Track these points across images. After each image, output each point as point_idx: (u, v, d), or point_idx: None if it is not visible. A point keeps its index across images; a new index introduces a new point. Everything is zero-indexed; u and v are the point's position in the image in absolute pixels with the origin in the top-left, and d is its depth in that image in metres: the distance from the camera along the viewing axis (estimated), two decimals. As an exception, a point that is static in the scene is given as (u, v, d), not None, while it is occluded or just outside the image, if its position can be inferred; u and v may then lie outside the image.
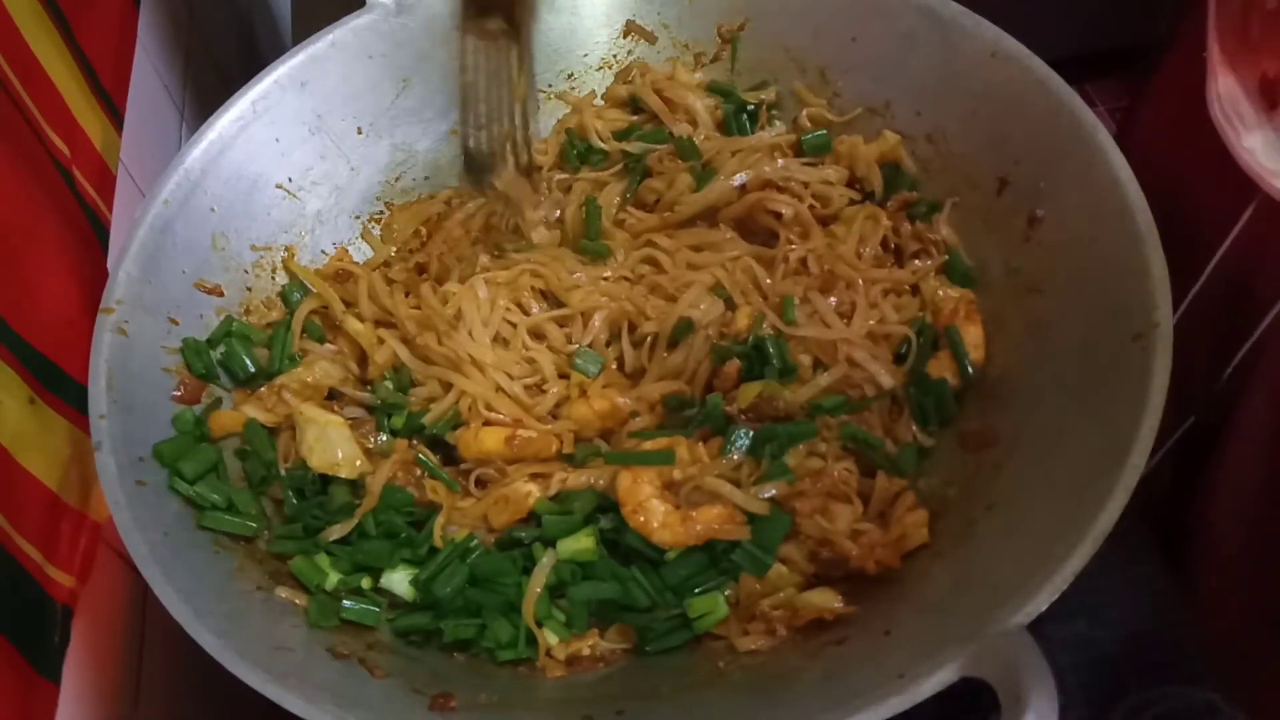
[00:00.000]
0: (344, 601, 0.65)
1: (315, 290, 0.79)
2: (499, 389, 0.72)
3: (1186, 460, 0.83)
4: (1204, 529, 0.83)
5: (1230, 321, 0.74)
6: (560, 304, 0.77)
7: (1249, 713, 0.66)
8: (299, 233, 0.82)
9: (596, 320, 0.75)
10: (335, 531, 0.67)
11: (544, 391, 0.73)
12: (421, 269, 0.82)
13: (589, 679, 0.64)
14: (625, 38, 0.90)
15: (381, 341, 0.76)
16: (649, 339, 0.74)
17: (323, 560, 0.67)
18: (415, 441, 0.72)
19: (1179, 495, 0.84)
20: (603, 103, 0.91)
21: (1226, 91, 0.68)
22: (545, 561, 0.65)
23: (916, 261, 0.76)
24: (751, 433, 0.67)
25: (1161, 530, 0.85)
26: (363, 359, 0.77)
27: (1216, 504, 0.81)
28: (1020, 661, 0.46)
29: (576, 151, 0.87)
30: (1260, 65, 0.67)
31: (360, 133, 0.85)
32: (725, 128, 0.86)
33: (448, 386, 0.73)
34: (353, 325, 0.77)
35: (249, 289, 0.78)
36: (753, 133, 0.85)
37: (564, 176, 0.87)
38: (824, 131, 0.82)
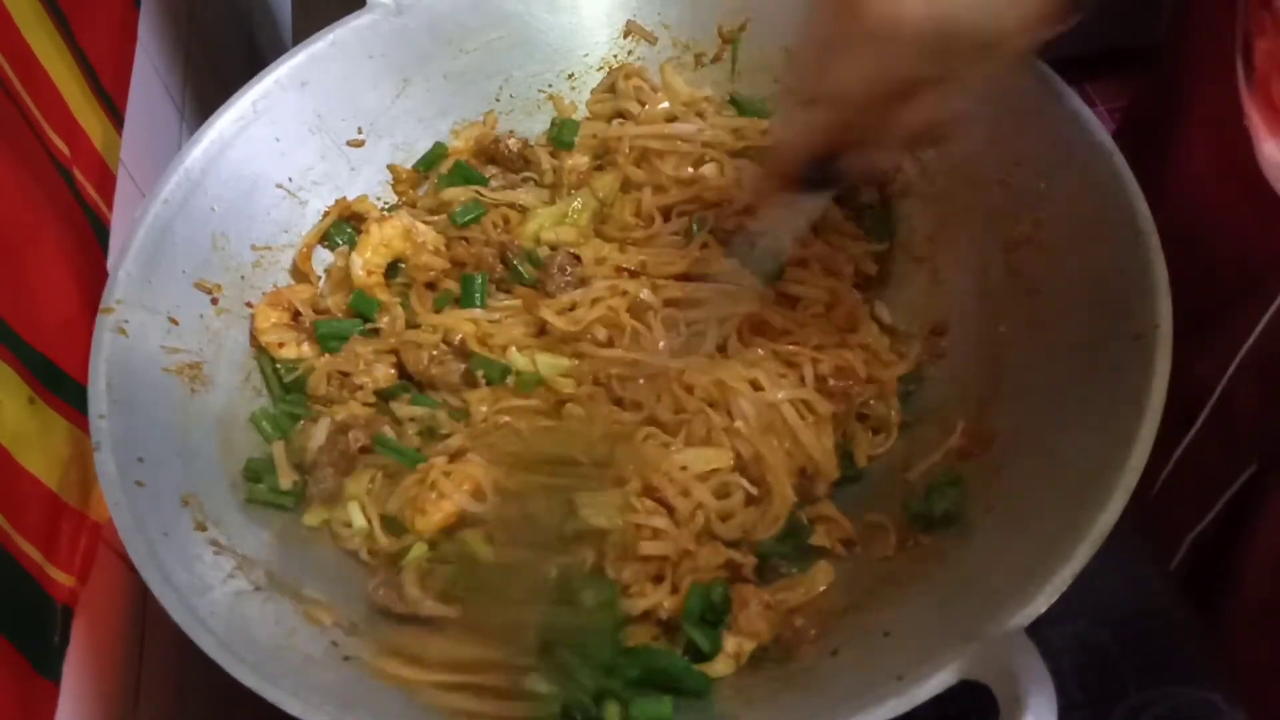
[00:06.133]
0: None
1: None
2: None
3: (1241, 511, 0.81)
4: (1247, 583, 0.82)
5: None
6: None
7: (1249, 713, 0.66)
8: (299, 233, 0.82)
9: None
10: None
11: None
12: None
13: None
14: (626, 38, 0.90)
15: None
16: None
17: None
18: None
19: (1228, 542, 0.83)
20: (587, 113, 0.90)
21: (1273, 157, 0.67)
22: None
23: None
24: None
25: (1198, 576, 0.84)
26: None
27: (1264, 561, 0.80)
28: (1019, 664, 0.46)
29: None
30: None
31: (360, 132, 0.85)
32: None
33: None
34: None
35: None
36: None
37: None
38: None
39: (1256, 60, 0.68)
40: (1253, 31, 0.68)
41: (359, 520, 0.70)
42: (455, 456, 0.71)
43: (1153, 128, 0.84)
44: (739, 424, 0.69)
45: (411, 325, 0.79)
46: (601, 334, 0.75)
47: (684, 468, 0.67)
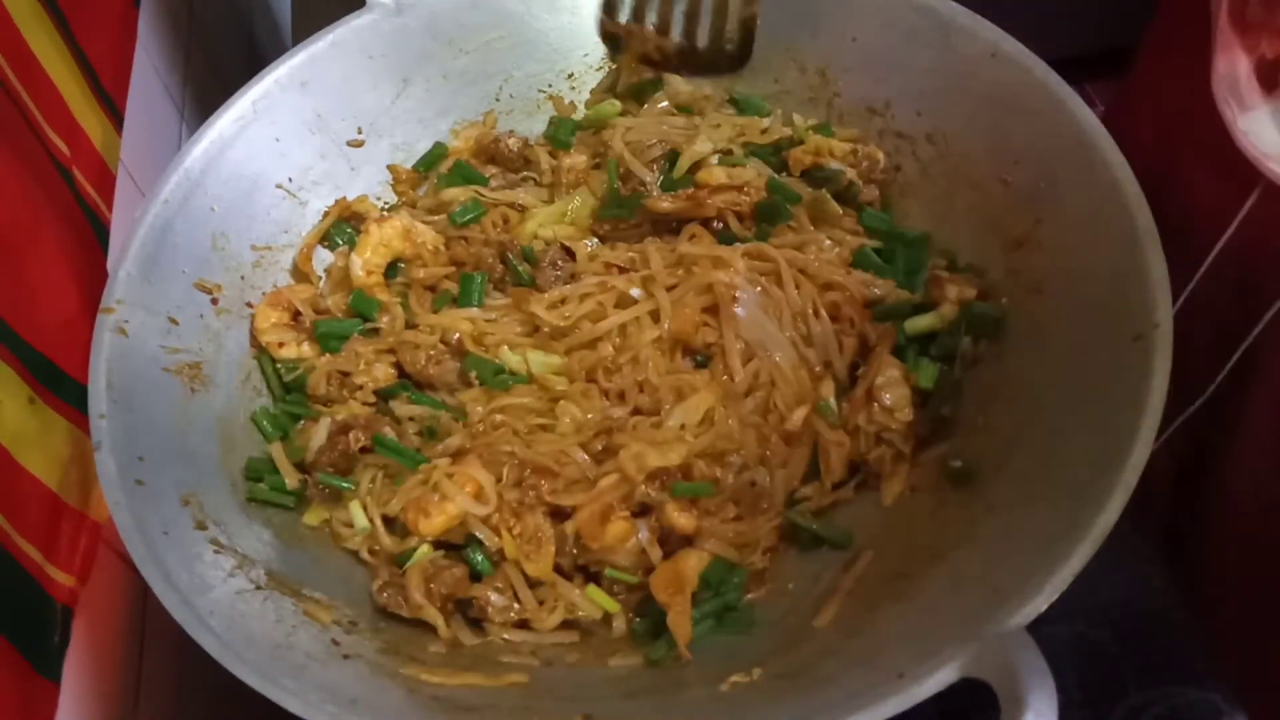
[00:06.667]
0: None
1: None
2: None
3: (1186, 455, 0.82)
4: (1204, 525, 0.83)
5: (1233, 314, 0.74)
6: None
7: (1249, 713, 0.66)
8: (299, 233, 0.82)
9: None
10: None
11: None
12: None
13: (592, 678, 0.64)
14: (625, 38, 0.90)
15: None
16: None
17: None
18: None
19: (1178, 491, 0.84)
20: (587, 113, 0.90)
21: (1226, 72, 0.68)
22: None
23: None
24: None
25: (1159, 525, 0.85)
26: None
27: (1218, 499, 0.81)
28: (1020, 662, 0.46)
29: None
30: (1258, 47, 0.67)
31: (360, 133, 0.85)
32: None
33: None
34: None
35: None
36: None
37: None
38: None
39: None
40: None
41: (361, 520, 0.70)
42: (456, 457, 0.71)
43: (1128, 120, 0.85)
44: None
45: (411, 325, 0.79)
46: (586, 327, 0.76)
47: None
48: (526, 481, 0.68)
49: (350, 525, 0.71)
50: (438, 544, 0.69)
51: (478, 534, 0.67)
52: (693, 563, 0.65)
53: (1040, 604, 0.50)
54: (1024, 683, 0.45)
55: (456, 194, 0.85)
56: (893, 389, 0.69)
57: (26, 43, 0.72)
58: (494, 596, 0.66)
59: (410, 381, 0.77)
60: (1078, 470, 0.56)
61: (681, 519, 0.66)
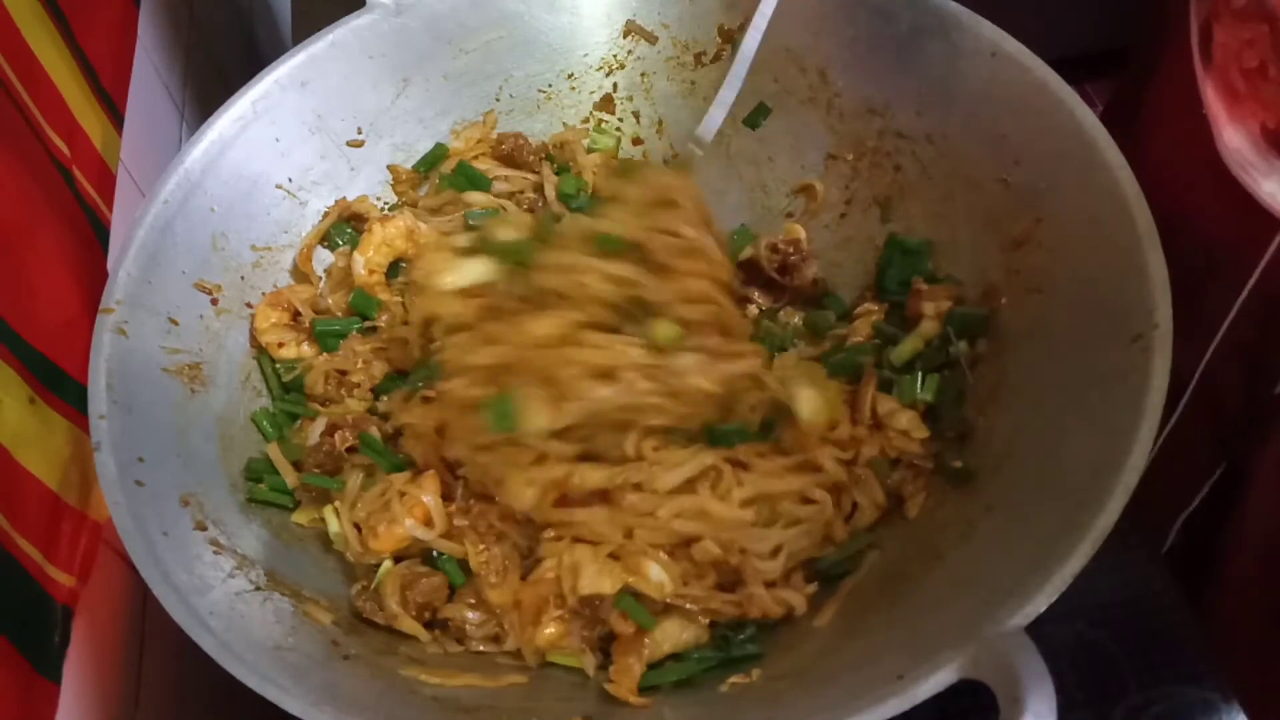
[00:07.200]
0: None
1: None
2: None
3: (1219, 495, 0.82)
4: (1210, 530, 0.82)
5: (1265, 353, 0.73)
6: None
7: (1249, 713, 0.66)
8: (299, 233, 0.82)
9: None
10: None
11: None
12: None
13: (591, 679, 0.64)
14: (625, 38, 0.90)
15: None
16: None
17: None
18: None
19: (1208, 528, 0.83)
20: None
21: (1233, 144, 0.68)
22: None
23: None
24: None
25: (1162, 528, 0.85)
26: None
27: (1245, 535, 0.80)
28: (1018, 663, 0.46)
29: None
30: (1259, 116, 0.66)
31: (360, 133, 0.85)
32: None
33: None
34: None
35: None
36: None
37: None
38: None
39: (1215, 48, 0.68)
40: (1211, 20, 0.68)
41: (334, 525, 0.70)
42: (420, 469, 0.70)
43: (1126, 122, 0.84)
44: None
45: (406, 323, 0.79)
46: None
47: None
48: (474, 509, 0.67)
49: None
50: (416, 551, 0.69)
51: (436, 549, 0.67)
52: (660, 637, 0.62)
53: (1040, 604, 0.50)
54: (1023, 684, 0.45)
55: (480, 199, 0.85)
56: (898, 416, 0.69)
57: (26, 43, 0.73)
58: (470, 614, 0.65)
59: (406, 379, 0.77)
60: (1078, 470, 0.56)
61: (625, 626, 0.62)
